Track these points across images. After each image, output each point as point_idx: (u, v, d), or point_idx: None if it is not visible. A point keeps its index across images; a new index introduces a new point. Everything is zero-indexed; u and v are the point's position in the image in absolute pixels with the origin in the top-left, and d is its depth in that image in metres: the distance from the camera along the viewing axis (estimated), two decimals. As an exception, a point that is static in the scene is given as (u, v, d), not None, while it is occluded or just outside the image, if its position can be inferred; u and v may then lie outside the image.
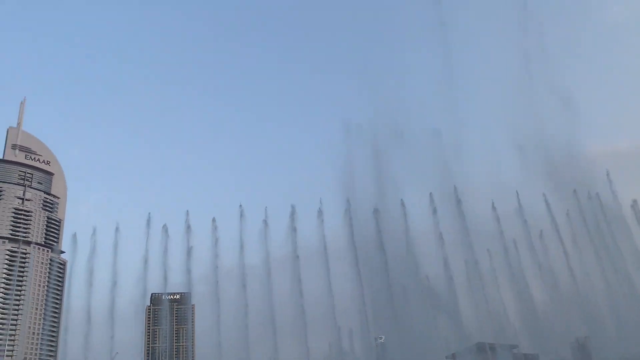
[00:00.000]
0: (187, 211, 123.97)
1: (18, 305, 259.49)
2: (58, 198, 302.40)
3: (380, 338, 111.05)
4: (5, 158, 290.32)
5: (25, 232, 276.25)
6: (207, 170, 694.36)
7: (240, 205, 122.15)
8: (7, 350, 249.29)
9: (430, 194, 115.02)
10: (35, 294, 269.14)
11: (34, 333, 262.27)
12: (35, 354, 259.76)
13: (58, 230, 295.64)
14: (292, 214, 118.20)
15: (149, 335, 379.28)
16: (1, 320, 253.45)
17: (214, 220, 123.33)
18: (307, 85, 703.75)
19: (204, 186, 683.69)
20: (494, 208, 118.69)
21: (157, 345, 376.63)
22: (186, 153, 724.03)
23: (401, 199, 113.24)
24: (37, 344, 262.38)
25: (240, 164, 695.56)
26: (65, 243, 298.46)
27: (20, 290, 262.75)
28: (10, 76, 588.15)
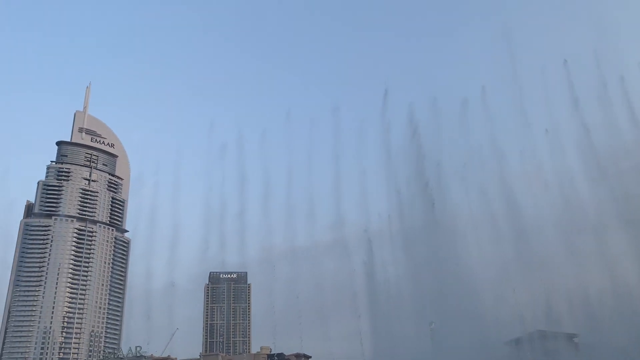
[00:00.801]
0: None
1: (86, 281, 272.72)
2: (122, 179, 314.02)
3: (432, 324, 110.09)
4: (72, 141, 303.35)
5: (92, 212, 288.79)
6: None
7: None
8: (77, 323, 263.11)
9: None
10: (101, 271, 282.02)
11: (100, 308, 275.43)
12: (102, 328, 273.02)
13: (122, 210, 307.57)
14: None
15: (207, 312, 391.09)
16: (71, 295, 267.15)
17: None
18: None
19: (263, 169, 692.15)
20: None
21: (215, 322, 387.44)
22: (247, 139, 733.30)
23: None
24: (103, 318, 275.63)
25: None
26: (128, 222, 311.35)
27: (87, 267, 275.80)
28: (76, 62, 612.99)
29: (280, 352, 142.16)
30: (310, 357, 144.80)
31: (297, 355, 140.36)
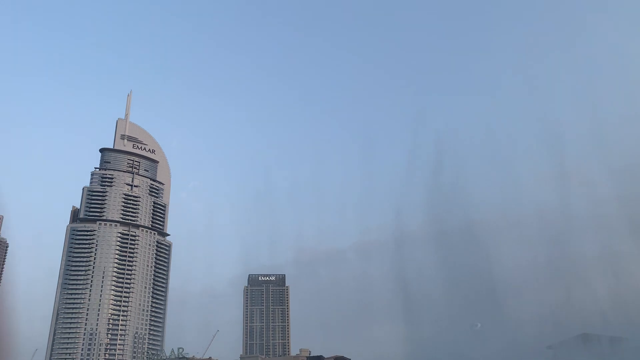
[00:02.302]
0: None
1: (130, 284, 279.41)
2: (162, 184, 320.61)
3: (477, 325, 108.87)
4: (115, 147, 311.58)
5: (134, 216, 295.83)
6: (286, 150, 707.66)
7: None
8: (121, 325, 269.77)
9: None
10: (144, 274, 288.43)
11: (143, 310, 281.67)
12: (145, 329, 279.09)
13: (163, 214, 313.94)
14: None
15: (246, 314, 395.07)
16: (116, 298, 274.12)
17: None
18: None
19: (289, 169, 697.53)
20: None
21: (254, 324, 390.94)
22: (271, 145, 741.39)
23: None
24: (146, 320, 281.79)
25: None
26: (170, 226, 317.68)
27: (131, 270, 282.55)
28: (117, 71, 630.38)
29: (319, 354, 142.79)
30: (350, 359, 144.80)
31: (337, 358, 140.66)
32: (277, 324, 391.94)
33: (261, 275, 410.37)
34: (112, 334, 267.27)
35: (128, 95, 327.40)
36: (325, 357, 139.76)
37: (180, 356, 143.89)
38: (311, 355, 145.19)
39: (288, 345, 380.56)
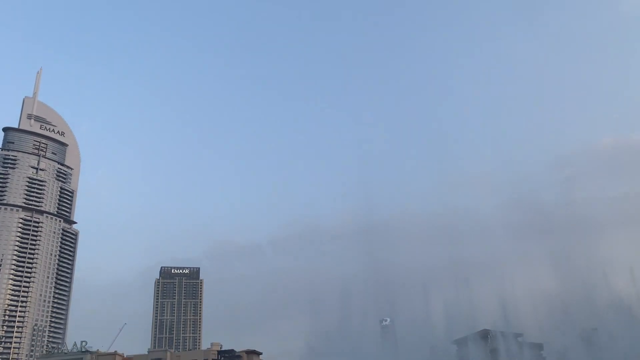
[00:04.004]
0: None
1: (30, 273, 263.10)
2: (71, 169, 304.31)
3: (386, 320, 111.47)
4: (20, 127, 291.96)
5: (39, 202, 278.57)
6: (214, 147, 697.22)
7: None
8: (19, 317, 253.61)
9: None
10: (47, 263, 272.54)
11: (44, 301, 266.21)
12: (46, 322, 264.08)
13: (71, 200, 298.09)
14: None
15: (157, 307, 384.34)
16: (14, 288, 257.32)
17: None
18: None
19: (210, 163, 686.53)
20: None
21: (165, 317, 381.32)
22: (196, 135, 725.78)
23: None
24: (47, 311, 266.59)
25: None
26: (77, 214, 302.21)
27: (32, 259, 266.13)
28: (27, 46, 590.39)
29: (231, 348, 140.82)
30: (261, 353, 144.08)
31: (248, 352, 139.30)
32: (188, 317, 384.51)
33: (174, 267, 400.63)
34: (8, 326, 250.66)
35: (38, 73, 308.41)
36: (237, 351, 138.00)
37: (83, 350, 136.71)
38: (222, 349, 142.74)
39: (199, 339, 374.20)
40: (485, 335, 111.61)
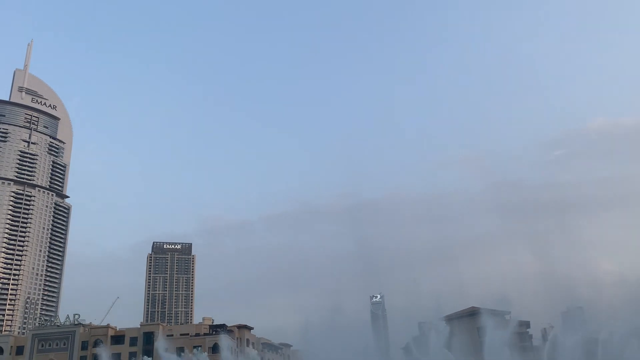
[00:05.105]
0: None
1: (22, 246, 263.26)
2: (64, 143, 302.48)
3: (376, 296, 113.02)
4: (12, 100, 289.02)
5: (30, 175, 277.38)
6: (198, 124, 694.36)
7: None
8: (11, 290, 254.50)
9: None
10: (39, 237, 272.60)
11: (37, 274, 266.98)
12: (38, 295, 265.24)
13: (63, 175, 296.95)
14: None
15: (149, 282, 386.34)
16: (6, 261, 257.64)
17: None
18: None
19: (198, 137, 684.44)
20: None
21: (157, 292, 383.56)
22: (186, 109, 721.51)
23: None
24: (40, 284, 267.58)
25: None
26: (70, 188, 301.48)
27: (24, 232, 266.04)
28: (18, 17, 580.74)
29: (222, 323, 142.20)
30: (252, 328, 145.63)
31: (239, 326, 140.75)
32: (180, 292, 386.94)
33: (166, 243, 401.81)
34: (0, 299, 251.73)
35: (28, 45, 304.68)
36: (228, 325, 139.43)
37: (76, 322, 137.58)
38: (214, 323, 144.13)
39: (191, 314, 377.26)
40: (473, 312, 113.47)
